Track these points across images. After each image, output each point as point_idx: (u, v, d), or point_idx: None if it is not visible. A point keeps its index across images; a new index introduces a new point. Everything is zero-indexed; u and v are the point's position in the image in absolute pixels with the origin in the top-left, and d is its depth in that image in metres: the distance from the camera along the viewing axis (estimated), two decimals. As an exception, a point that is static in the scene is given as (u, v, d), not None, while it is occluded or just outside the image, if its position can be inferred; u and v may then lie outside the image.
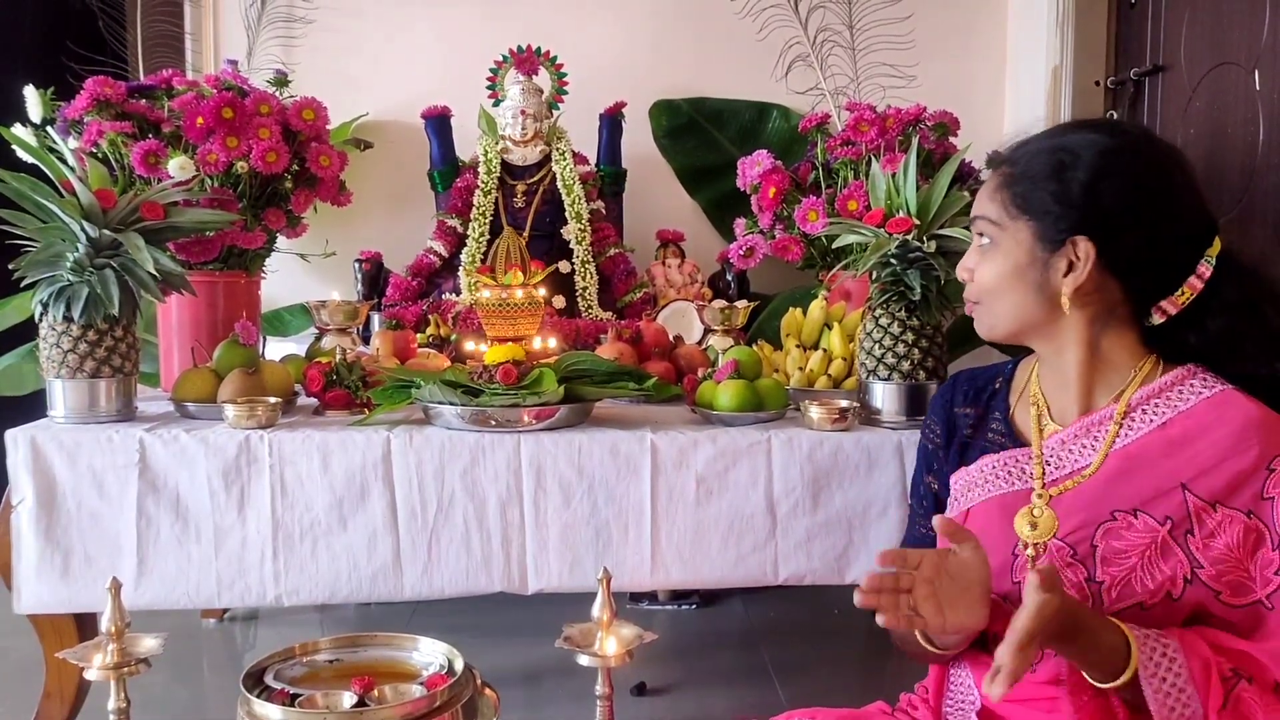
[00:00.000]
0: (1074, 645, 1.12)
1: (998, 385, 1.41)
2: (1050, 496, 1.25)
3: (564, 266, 2.57)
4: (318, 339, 2.25)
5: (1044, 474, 1.27)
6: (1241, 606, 1.17)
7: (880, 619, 1.12)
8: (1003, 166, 1.27)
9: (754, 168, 2.45)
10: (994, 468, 1.31)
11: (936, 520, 1.15)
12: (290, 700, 1.29)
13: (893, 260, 1.72)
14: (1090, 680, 1.14)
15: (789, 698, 2.15)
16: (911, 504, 1.49)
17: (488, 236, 2.57)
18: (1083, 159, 1.21)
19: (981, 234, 1.28)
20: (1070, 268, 1.22)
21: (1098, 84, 2.76)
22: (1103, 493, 1.22)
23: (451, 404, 1.72)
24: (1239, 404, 1.21)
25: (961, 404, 1.41)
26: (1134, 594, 1.18)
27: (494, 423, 1.73)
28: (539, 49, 2.63)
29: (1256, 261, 1.29)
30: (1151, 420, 1.23)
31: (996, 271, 1.26)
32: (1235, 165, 2.18)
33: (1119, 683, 1.11)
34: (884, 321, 1.79)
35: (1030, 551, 1.23)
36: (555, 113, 2.69)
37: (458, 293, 2.54)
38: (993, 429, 1.36)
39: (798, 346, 2.13)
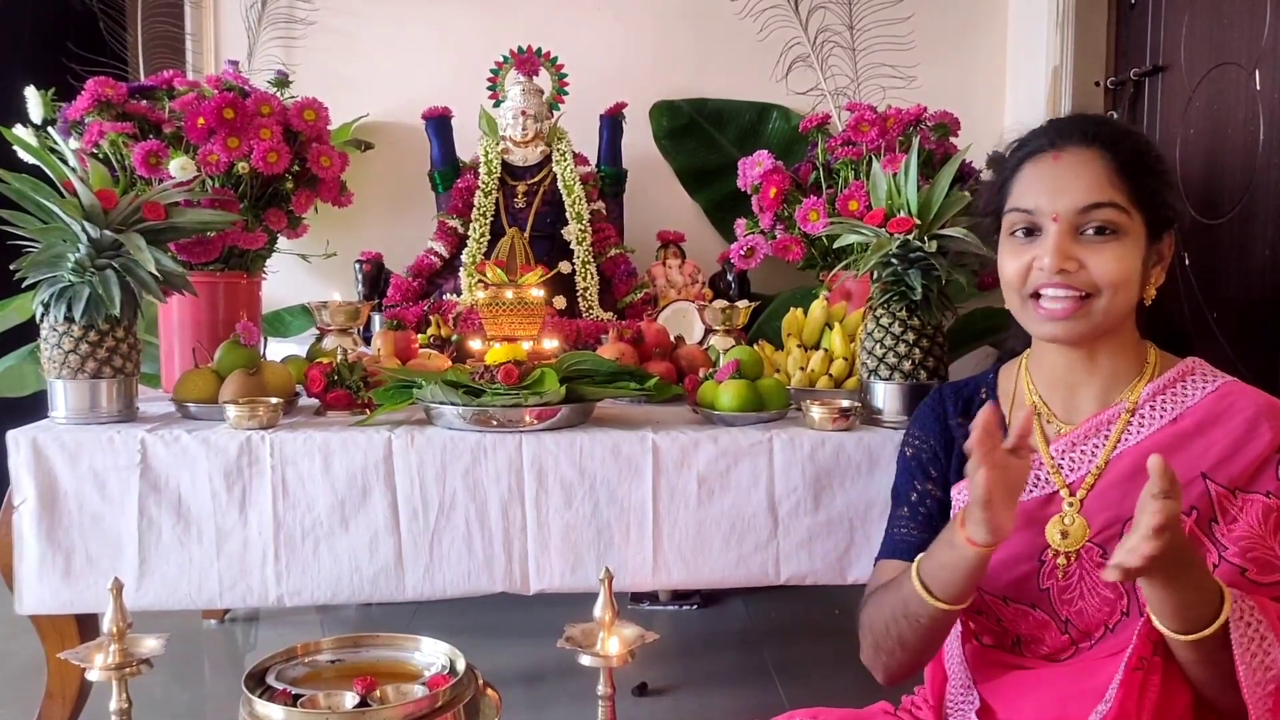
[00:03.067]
0: (1179, 579, 1.07)
1: (984, 395, 1.40)
2: (1080, 503, 1.24)
3: (565, 267, 2.57)
4: (319, 339, 2.25)
5: (1064, 481, 1.26)
6: (1267, 585, 1.17)
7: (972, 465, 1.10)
8: (1094, 148, 1.22)
9: (754, 168, 2.45)
10: None
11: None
12: (292, 700, 1.29)
13: (894, 260, 1.72)
14: (1166, 630, 1.09)
15: (791, 698, 2.15)
16: (900, 511, 1.42)
17: (488, 237, 2.57)
18: (1161, 154, 1.26)
19: (1105, 224, 1.20)
20: (1158, 261, 1.26)
21: (1098, 84, 2.75)
22: (1126, 490, 1.22)
23: (453, 404, 1.72)
24: (1246, 394, 1.23)
25: (954, 415, 1.41)
26: None
27: (495, 423, 1.73)
28: (539, 50, 2.63)
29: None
30: (1161, 416, 1.24)
31: (1129, 264, 1.21)
32: (1235, 165, 2.18)
33: (1206, 633, 1.07)
34: (885, 321, 1.79)
35: (1062, 560, 1.23)
36: (556, 113, 2.69)
37: (459, 293, 2.54)
38: None
39: (799, 346, 2.13)
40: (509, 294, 1.95)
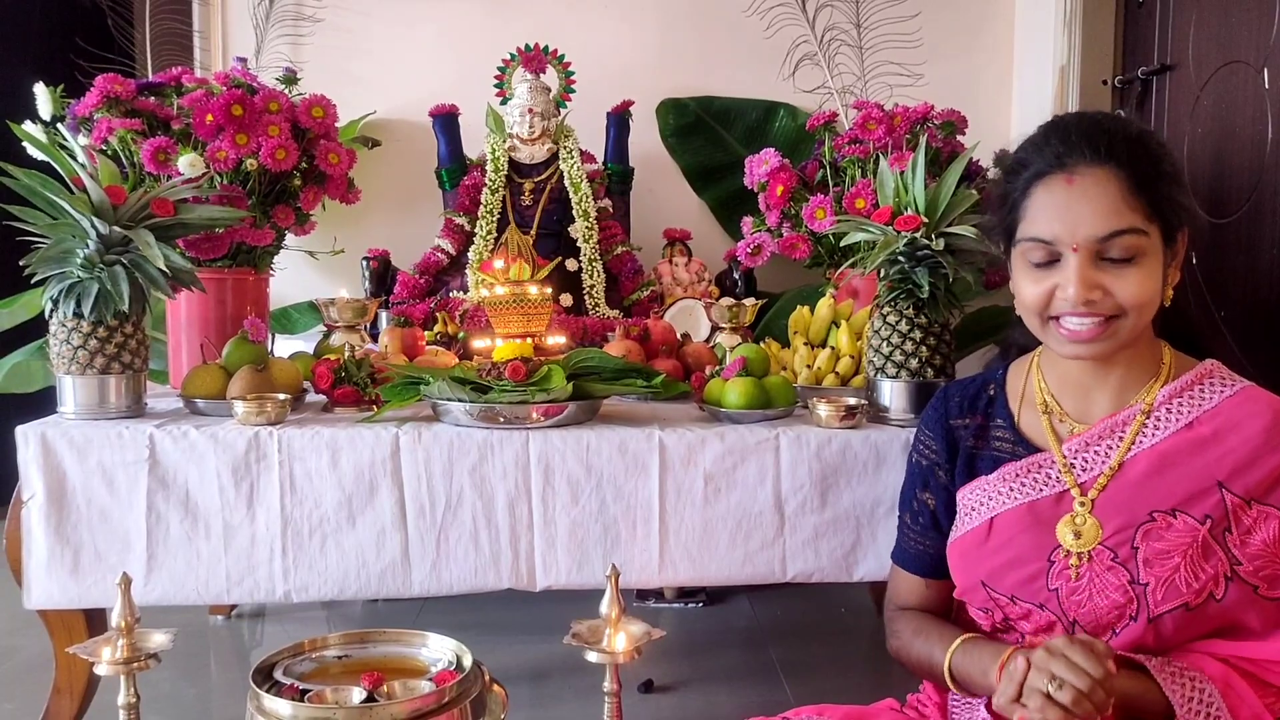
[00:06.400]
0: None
1: (992, 392, 1.39)
2: (1092, 504, 1.24)
3: (571, 264, 2.58)
4: (326, 336, 2.25)
5: (1075, 481, 1.26)
6: (1275, 599, 1.18)
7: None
8: (1107, 166, 1.18)
9: (761, 166, 2.45)
10: (1016, 475, 1.29)
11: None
12: (299, 696, 1.29)
13: (901, 258, 1.72)
14: None
15: (796, 696, 2.15)
16: (904, 517, 1.46)
17: (495, 234, 2.58)
18: (1172, 154, 1.23)
19: (1127, 248, 1.17)
20: (1174, 260, 1.24)
21: (1105, 83, 2.75)
22: (1138, 493, 1.22)
23: (460, 401, 1.72)
24: (1266, 399, 1.22)
25: (957, 415, 1.39)
26: (1179, 594, 1.17)
27: (502, 420, 1.73)
28: (546, 47, 2.64)
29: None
30: (1177, 419, 1.23)
31: (1153, 283, 1.19)
32: (1243, 164, 2.17)
33: None
34: (892, 319, 1.79)
35: (1074, 560, 1.23)
36: (563, 111, 2.69)
37: (465, 290, 2.54)
38: (998, 437, 1.35)
39: (805, 344, 2.13)
40: (516, 290, 1.95)
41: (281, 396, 1.79)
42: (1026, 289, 1.24)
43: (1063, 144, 1.22)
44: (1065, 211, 1.19)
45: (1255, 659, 1.17)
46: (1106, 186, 1.18)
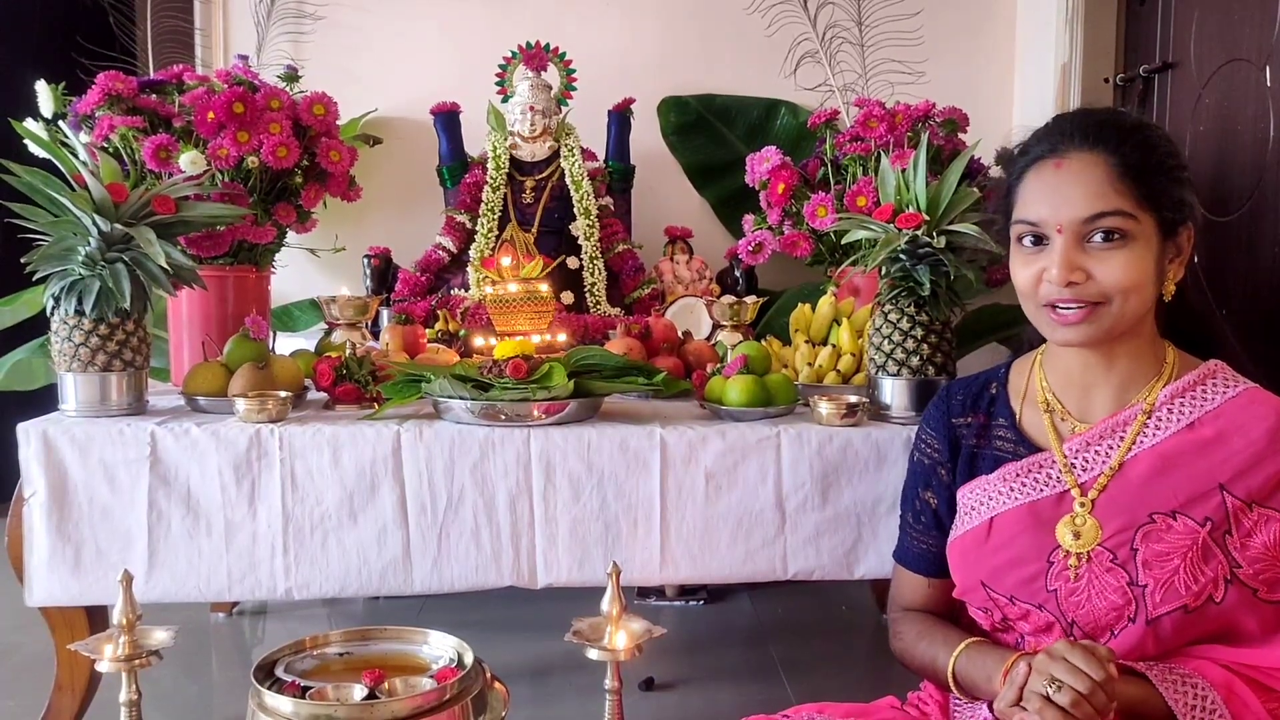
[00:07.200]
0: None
1: (994, 390, 1.39)
2: (1092, 504, 1.24)
3: (572, 262, 2.58)
4: (327, 334, 2.25)
5: (1076, 481, 1.25)
6: (1275, 602, 1.18)
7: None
8: (1096, 151, 1.20)
9: (762, 164, 2.45)
10: (1017, 475, 1.29)
11: None
12: (301, 693, 1.29)
13: (902, 256, 1.72)
14: None
15: (797, 694, 2.15)
16: (905, 516, 1.47)
17: (496, 232, 2.58)
18: (1175, 148, 1.24)
19: (1111, 231, 1.18)
20: (1176, 255, 1.24)
21: (1107, 81, 2.75)
22: (1138, 494, 1.21)
23: (461, 398, 1.72)
24: (1271, 402, 1.22)
25: (960, 414, 1.40)
26: (1178, 596, 1.17)
27: (503, 417, 1.73)
28: (548, 45, 2.64)
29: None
30: (1179, 420, 1.23)
31: (1139, 269, 1.19)
32: (1245, 162, 2.17)
33: None
34: (893, 317, 1.78)
35: (1073, 561, 1.23)
36: (564, 109, 2.69)
37: (466, 288, 2.54)
38: (1000, 436, 1.35)
39: (806, 342, 2.13)
40: (518, 288, 1.95)
41: (283, 394, 1.79)
42: (1019, 272, 1.26)
43: (1058, 130, 1.25)
44: (1052, 193, 1.22)
45: (1258, 666, 1.17)
46: (1094, 170, 1.20)
